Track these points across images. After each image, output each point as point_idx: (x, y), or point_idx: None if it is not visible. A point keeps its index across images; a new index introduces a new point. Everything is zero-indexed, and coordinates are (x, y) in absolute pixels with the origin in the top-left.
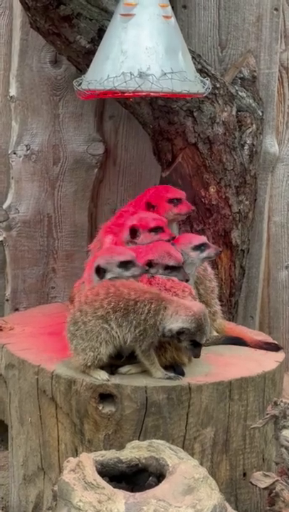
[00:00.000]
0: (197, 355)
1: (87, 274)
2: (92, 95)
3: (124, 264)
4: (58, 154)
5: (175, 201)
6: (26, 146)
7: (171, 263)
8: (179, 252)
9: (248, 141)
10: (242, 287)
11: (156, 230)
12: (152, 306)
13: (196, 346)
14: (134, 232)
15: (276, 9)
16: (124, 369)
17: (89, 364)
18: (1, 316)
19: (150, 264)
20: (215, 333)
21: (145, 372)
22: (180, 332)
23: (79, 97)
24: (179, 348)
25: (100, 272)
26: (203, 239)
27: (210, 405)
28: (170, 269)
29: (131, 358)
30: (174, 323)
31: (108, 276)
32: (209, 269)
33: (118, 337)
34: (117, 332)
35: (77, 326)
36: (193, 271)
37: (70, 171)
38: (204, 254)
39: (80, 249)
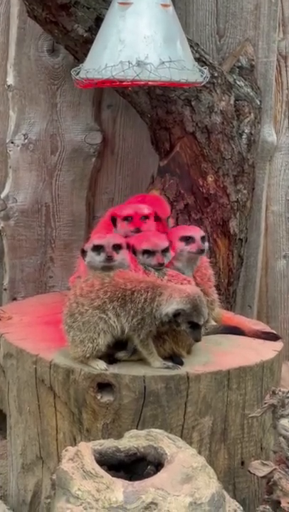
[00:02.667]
0: (198, 339)
1: (82, 268)
2: (90, 84)
3: (97, 249)
4: (55, 143)
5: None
6: (24, 135)
7: (145, 247)
8: (161, 239)
9: (246, 131)
10: (240, 276)
11: (128, 218)
12: (148, 294)
13: (195, 329)
14: (113, 221)
15: None
16: (121, 353)
17: (88, 355)
18: None
19: (134, 251)
20: (213, 323)
21: (142, 360)
22: (176, 314)
23: (77, 86)
24: (177, 341)
25: (83, 253)
26: (192, 232)
27: (208, 394)
28: (147, 253)
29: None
30: (169, 306)
31: (87, 259)
32: (204, 256)
33: (116, 326)
34: (115, 322)
35: (73, 317)
36: (184, 262)
37: (68, 160)
38: (187, 247)
39: (77, 239)
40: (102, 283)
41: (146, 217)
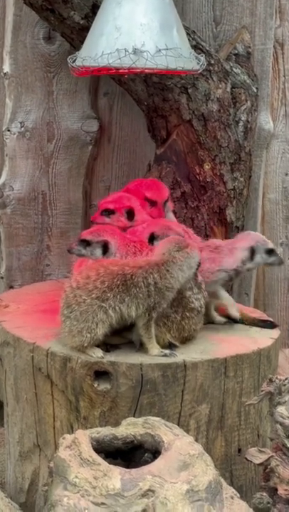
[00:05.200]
0: None
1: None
2: (87, 72)
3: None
4: (52, 131)
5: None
6: (20, 123)
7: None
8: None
9: (243, 118)
10: None
11: (104, 212)
12: (155, 275)
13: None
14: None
15: None
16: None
17: (85, 345)
18: None
19: (152, 237)
20: (216, 315)
21: (131, 344)
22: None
23: (73, 74)
24: (171, 331)
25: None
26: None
27: (205, 382)
28: None
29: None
30: (188, 270)
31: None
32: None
33: (117, 314)
34: (116, 309)
35: (70, 308)
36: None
37: (65, 148)
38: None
39: (74, 227)
40: (98, 273)
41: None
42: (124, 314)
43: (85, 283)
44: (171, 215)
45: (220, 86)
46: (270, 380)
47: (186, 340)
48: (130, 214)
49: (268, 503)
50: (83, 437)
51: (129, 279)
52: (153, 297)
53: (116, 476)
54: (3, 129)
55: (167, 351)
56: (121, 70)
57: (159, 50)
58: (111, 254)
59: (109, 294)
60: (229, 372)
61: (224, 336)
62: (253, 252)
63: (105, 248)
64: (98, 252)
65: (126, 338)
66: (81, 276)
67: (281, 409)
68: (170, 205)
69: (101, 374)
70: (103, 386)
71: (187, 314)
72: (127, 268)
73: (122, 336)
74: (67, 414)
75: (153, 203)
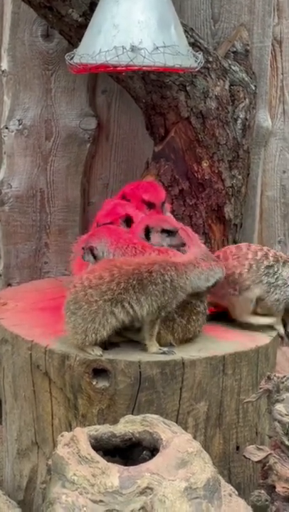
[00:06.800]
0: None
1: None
2: (84, 69)
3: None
4: (50, 129)
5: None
6: (18, 120)
7: (166, 226)
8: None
9: (241, 116)
10: None
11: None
12: (173, 272)
13: None
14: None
15: None
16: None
17: (87, 344)
18: None
19: (148, 230)
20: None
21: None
22: (214, 284)
23: (71, 71)
24: (172, 332)
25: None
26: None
27: (203, 380)
28: (166, 233)
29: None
30: (207, 282)
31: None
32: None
33: (129, 317)
34: (133, 311)
35: (78, 305)
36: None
37: (63, 145)
38: None
39: (72, 224)
40: (112, 274)
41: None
42: (136, 316)
43: (98, 283)
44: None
45: (218, 84)
46: (269, 378)
47: (189, 340)
48: (129, 221)
49: (266, 500)
50: (81, 435)
51: (146, 277)
52: (167, 295)
53: (114, 473)
54: (1, 126)
55: (165, 349)
56: (119, 68)
57: (157, 48)
58: (100, 258)
59: (124, 296)
60: (227, 369)
61: (223, 333)
62: None
63: (94, 254)
64: (91, 258)
65: (125, 337)
66: (94, 276)
67: (279, 407)
68: (167, 206)
69: (99, 372)
70: (101, 384)
71: (193, 318)
72: (143, 266)
73: (121, 335)
74: (65, 411)
75: (151, 205)
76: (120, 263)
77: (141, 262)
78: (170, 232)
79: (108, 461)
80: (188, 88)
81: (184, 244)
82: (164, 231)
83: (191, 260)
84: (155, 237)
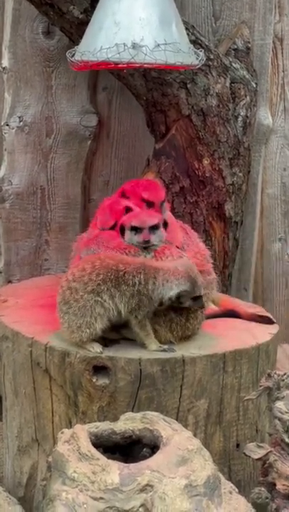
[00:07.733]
0: (203, 306)
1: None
2: (85, 66)
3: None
4: (51, 126)
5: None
6: (19, 117)
7: (133, 223)
8: (152, 217)
9: (242, 113)
10: (235, 259)
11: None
12: (142, 276)
13: (196, 300)
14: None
15: None
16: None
17: (85, 340)
18: None
19: (122, 228)
20: (212, 306)
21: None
22: (179, 296)
23: (72, 68)
24: (171, 330)
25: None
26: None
27: (204, 377)
28: (134, 230)
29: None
30: (170, 290)
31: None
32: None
33: (112, 309)
34: (110, 304)
35: (68, 304)
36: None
37: (64, 142)
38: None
39: (73, 221)
40: (93, 266)
41: None
42: (119, 309)
43: (80, 275)
44: (168, 215)
45: (219, 81)
46: (269, 375)
47: (188, 337)
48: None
49: (267, 498)
50: (82, 432)
51: (121, 275)
52: (135, 299)
53: (114, 470)
54: (2, 123)
55: (166, 346)
56: (120, 65)
57: (158, 45)
58: None
59: (103, 287)
60: (228, 367)
61: (223, 331)
62: None
63: None
64: None
65: (124, 335)
66: (77, 269)
67: (280, 405)
68: (166, 205)
69: (100, 369)
70: (102, 381)
71: (192, 315)
72: (121, 265)
73: (120, 333)
74: (65, 408)
75: (150, 204)
76: (104, 256)
77: (124, 260)
78: (138, 229)
79: (108, 458)
80: (189, 85)
81: (165, 241)
82: (132, 228)
83: (166, 267)
84: (127, 235)
